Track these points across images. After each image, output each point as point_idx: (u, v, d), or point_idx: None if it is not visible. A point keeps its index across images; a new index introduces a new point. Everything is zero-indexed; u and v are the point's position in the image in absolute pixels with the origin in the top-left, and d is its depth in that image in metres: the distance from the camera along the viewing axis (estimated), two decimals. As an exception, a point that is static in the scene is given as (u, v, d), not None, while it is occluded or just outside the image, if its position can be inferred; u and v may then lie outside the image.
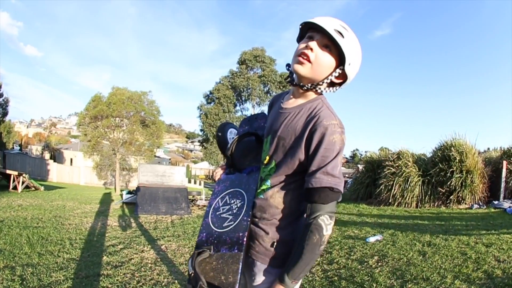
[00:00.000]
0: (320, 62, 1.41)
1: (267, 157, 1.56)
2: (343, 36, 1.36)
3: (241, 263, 1.46)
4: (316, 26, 1.38)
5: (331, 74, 1.44)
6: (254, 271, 1.54)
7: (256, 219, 1.56)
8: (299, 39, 1.51)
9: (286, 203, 1.51)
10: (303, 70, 1.42)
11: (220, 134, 2.27)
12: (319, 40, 1.41)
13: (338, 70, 1.43)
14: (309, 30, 1.46)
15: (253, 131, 1.88)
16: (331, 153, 1.35)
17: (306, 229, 1.36)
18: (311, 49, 1.40)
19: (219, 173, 1.87)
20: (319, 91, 1.48)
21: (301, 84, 1.48)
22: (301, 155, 1.41)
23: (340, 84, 1.51)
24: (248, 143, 1.85)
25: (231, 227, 1.58)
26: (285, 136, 1.47)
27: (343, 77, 1.47)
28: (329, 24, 1.37)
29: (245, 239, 1.51)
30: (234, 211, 1.63)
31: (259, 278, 1.53)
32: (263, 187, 1.55)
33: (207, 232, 1.63)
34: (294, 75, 1.50)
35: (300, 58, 1.41)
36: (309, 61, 1.40)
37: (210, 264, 1.51)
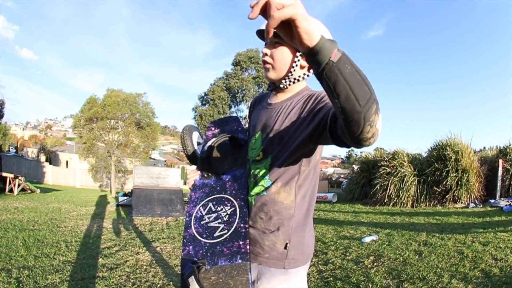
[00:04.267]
0: (277, 58, 1.47)
1: (261, 153, 1.53)
2: None
3: (250, 273, 1.39)
4: (261, 31, 1.49)
5: (293, 60, 1.47)
6: (267, 278, 1.45)
7: (259, 222, 1.50)
8: None
9: (291, 197, 1.47)
10: (270, 74, 1.52)
11: (186, 137, 2.23)
12: (269, 41, 1.49)
13: (298, 53, 1.46)
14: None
15: (229, 134, 1.79)
16: None
17: None
18: (266, 54, 1.49)
19: (192, 178, 1.75)
20: (299, 79, 1.53)
21: (280, 85, 1.55)
22: (301, 136, 1.38)
23: None
24: (224, 147, 1.77)
25: (225, 236, 1.49)
26: (281, 128, 1.48)
27: None
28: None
29: (248, 247, 1.43)
30: (225, 218, 1.53)
31: (275, 283, 1.45)
32: (262, 183, 1.50)
33: (194, 245, 1.52)
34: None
35: (265, 67, 1.52)
36: (270, 64, 1.49)
37: (209, 279, 1.39)
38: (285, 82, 1.52)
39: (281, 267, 1.45)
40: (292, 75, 1.50)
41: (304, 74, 1.54)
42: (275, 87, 1.59)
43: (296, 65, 1.48)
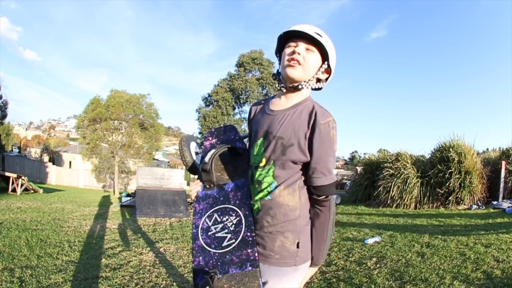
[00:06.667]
0: (308, 62, 1.56)
1: (264, 159, 1.58)
2: (321, 36, 1.54)
3: (260, 279, 1.47)
4: (299, 33, 1.55)
5: (318, 70, 1.60)
6: (279, 277, 1.52)
7: (266, 225, 1.55)
8: (278, 50, 1.70)
9: (296, 199, 1.55)
10: (296, 72, 1.56)
11: (184, 148, 2.26)
12: (303, 44, 1.56)
13: (324, 66, 1.60)
14: (288, 40, 1.61)
15: (227, 144, 1.81)
16: (331, 149, 1.51)
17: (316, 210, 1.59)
18: (299, 53, 1.55)
19: (195, 189, 1.78)
20: (312, 87, 1.64)
21: (298, 86, 1.60)
22: (302, 150, 1.50)
23: (326, 80, 1.68)
24: (223, 157, 1.81)
25: (233, 245, 1.54)
26: (283, 135, 1.53)
27: (328, 72, 1.65)
28: (309, 29, 1.55)
29: (256, 254, 1.50)
30: (231, 228, 1.58)
31: (287, 280, 1.53)
32: (268, 188, 1.55)
33: (203, 255, 1.58)
34: (283, 80, 1.65)
35: (291, 63, 1.56)
36: (300, 64, 1.55)
37: (221, 287, 1.47)
38: (303, 84, 1.59)
39: (293, 265, 1.52)
40: (311, 80, 1.60)
41: (317, 85, 1.67)
42: (286, 87, 1.63)
43: (317, 75, 1.61)
